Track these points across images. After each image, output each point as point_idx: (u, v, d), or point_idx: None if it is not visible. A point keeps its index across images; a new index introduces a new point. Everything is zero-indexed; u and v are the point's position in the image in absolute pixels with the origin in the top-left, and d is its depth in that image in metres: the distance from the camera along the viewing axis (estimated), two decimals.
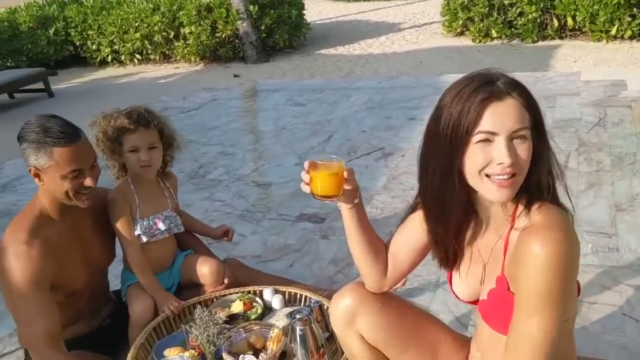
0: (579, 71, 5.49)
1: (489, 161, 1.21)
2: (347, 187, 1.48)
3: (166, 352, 1.91)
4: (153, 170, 2.14)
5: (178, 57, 10.78)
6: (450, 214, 1.34)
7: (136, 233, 2.13)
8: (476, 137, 1.21)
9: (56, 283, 1.90)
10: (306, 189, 1.48)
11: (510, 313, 1.26)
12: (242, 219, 3.24)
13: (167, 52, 10.92)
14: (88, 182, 1.85)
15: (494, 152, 1.20)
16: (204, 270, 2.22)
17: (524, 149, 1.20)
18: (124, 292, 2.22)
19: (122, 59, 11.10)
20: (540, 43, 7.37)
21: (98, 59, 11.17)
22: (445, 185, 1.29)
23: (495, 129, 1.20)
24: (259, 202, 3.46)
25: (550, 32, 7.34)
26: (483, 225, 1.39)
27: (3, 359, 2.32)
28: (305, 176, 1.46)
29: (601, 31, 6.76)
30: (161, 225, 2.17)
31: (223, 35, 10.18)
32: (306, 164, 1.46)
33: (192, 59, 10.63)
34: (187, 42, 10.42)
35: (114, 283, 2.29)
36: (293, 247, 2.88)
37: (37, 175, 1.85)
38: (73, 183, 1.83)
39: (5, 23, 11.08)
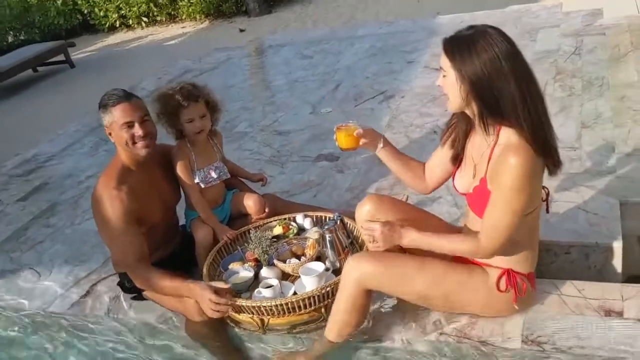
0: (561, 2, 5.90)
1: None
2: (363, 140, 2.15)
3: (230, 266, 2.54)
4: (205, 134, 2.70)
5: (183, 17, 11.17)
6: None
7: (196, 181, 2.72)
8: None
9: (140, 218, 2.48)
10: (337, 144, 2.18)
11: (486, 203, 1.89)
12: (270, 163, 3.81)
13: (172, 13, 11.30)
14: (138, 131, 2.39)
15: None
16: (250, 203, 2.82)
17: (445, 81, 1.86)
18: (188, 225, 2.82)
19: (130, 23, 11.50)
20: None
21: (107, 25, 11.57)
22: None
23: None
24: (282, 147, 4.01)
25: None
26: (477, 139, 1.99)
27: (100, 284, 2.97)
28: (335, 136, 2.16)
29: None
30: (213, 174, 2.76)
31: None
32: (335, 129, 2.18)
33: (197, 17, 11.02)
34: (191, 1, 10.79)
35: (181, 217, 2.87)
36: (315, 182, 3.45)
37: (109, 133, 2.44)
38: (129, 133, 2.39)
39: None
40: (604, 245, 2.42)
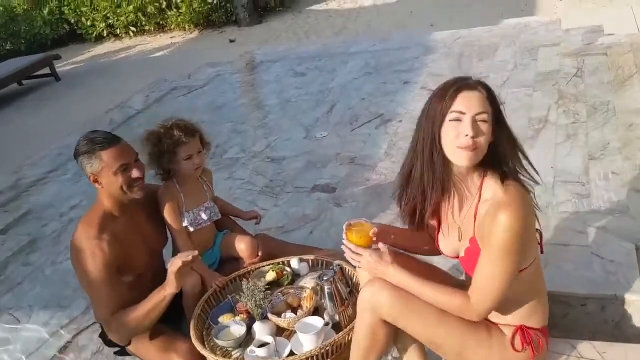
0: (559, 19, 5.77)
1: (458, 134, 1.67)
2: (376, 241, 1.97)
3: (220, 319, 2.36)
4: (201, 171, 2.55)
5: (172, 27, 10.98)
6: (434, 181, 1.79)
7: (184, 225, 2.55)
8: (450, 116, 1.68)
9: (125, 267, 2.32)
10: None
11: None
12: (263, 194, 3.64)
13: (161, 23, 11.11)
14: (135, 173, 2.26)
15: (461, 128, 1.67)
16: (242, 246, 2.64)
17: (484, 128, 1.68)
18: None
19: (118, 32, 11.31)
20: None
21: (94, 35, 11.38)
22: (431, 156, 1.75)
23: (464, 109, 1.67)
24: (276, 177, 3.84)
25: None
26: (458, 197, 1.84)
27: (82, 335, 2.78)
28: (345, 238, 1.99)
29: None
30: (204, 216, 2.59)
31: (215, 1, 10.34)
32: (345, 227, 2.01)
33: (187, 27, 10.84)
34: (180, 11, 10.61)
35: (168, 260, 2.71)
36: (311, 217, 3.29)
37: (96, 180, 2.27)
38: (124, 177, 2.24)
39: (1, 8, 11.21)
40: (623, 298, 2.26)
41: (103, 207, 2.34)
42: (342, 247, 1.99)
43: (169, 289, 2.20)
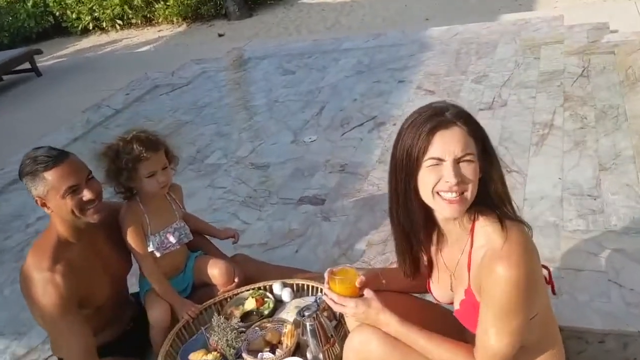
0: (562, 15, 5.49)
1: (438, 180, 1.39)
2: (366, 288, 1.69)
3: (191, 357, 2.08)
4: (167, 189, 2.26)
5: (160, 20, 10.67)
6: (415, 229, 1.53)
7: (150, 249, 2.26)
8: (427, 163, 1.39)
9: (83, 300, 2.05)
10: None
11: None
12: (246, 206, 3.36)
13: (148, 15, 10.79)
14: (87, 195, 1.96)
15: (443, 172, 1.38)
16: (215, 272, 2.36)
17: (469, 171, 1.39)
18: (142, 297, 2.37)
19: (104, 25, 10.98)
20: None
21: (79, 28, 11.05)
22: (407, 202, 1.47)
23: (443, 155, 1.37)
24: (260, 186, 3.55)
25: None
26: (446, 239, 1.58)
27: None
28: (325, 290, 1.72)
29: None
30: (172, 239, 2.30)
31: None
32: (326, 276, 1.72)
33: (175, 20, 10.51)
34: (168, 3, 10.30)
35: (133, 283, 2.41)
36: (297, 232, 3.01)
37: (43, 204, 1.98)
38: (74, 200, 1.95)
39: None
40: None
41: (56, 232, 2.05)
42: (324, 297, 1.73)
43: None
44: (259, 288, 2.35)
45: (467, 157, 1.38)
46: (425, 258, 1.68)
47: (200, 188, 3.63)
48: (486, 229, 1.44)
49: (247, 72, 5.93)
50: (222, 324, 2.03)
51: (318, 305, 2.05)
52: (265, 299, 2.31)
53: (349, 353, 1.67)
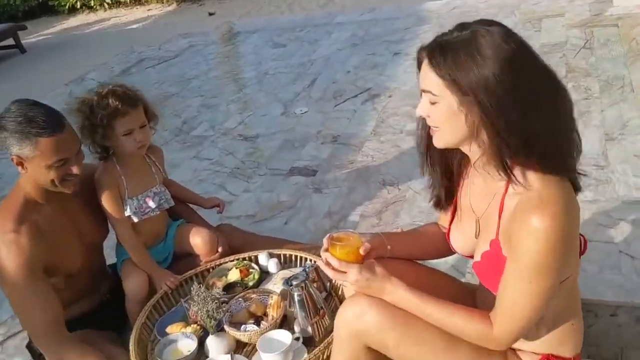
0: None
1: None
2: (370, 256, 1.51)
3: (169, 329, 1.91)
4: (145, 149, 2.09)
5: None
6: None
7: (127, 214, 2.09)
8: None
9: (52, 268, 1.88)
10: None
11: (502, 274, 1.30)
12: (233, 177, 3.19)
13: None
14: (75, 170, 1.81)
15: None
16: (197, 241, 2.19)
17: (434, 109, 1.27)
18: (119, 267, 2.20)
19: (92, 4, 10.72)
20: None
21: (67, 7, 10.78)
22: None
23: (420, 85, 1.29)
24: (248, 157, 3.39)
25: None
26: (478, 180, 1.39)
27: (9, 341, 2.33)
28: (324, 254, 1.49)
29: None
30: (152, 203, 2.13)
31: None
32: (325, 242, 1.50)
33: None
34: None
35: (109, 255, 2.27)
36: (287, 204, 2.85)
37: (20, 164, 1.80)
38: (59, 172, 1.79)
39: None
40: None
41: (23, 192, 1.88)
42: (322, 264, 1.50)
43: None
44: (244, 259, 2.19)
45: (428, 95, 1.26)
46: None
47: (185, 159, 3.45)
48: (526, 175, 1.25)
49: (236, 46, 5.73)
50: (202, 293, 1.85)
51: (307, 275, 1.88)
52: (250, 270, 2.14)
53: (341, 326, 1.49)
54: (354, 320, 1.44)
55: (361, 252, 1.48)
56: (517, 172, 1.26)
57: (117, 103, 1.95)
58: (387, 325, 1.41)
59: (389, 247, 1.58)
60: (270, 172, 3.17)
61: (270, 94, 4.27)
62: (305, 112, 3.85)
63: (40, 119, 1.74)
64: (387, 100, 3.73)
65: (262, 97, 4.24)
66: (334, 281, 1.98)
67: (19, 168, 1.82)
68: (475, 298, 1.60)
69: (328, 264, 1.48)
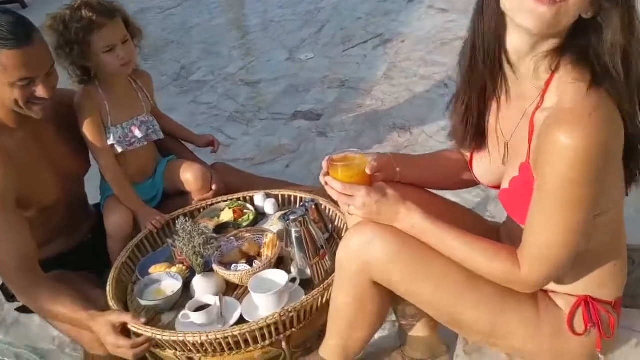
0: None
1: None
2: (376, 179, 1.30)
3: (152, 270, 1.73)
4: (131, 68, 1.90)
5: None
6: (481, 72, 1.15)
7: (110, 143, 1.90)
8: None
9: (24, 198, 1.69)
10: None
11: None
12: (232, 121, 3.02)
13: None
14: (40, 92, 1.60)
15: None
16: (188, 176, 2.00)
17: None
18: (102, 204, 2.02)
19: None
20: None
21: None
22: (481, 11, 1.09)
23: None
24: (249, 101, 3.22)
25: None
26: (509, 98, 1.18)
27: None
28: (324, 179, 1.28)
29: None
30: (138, 133, 1.93)
31: None
32: (324, 164, 1.29)
33: None
34: None
35: (94, 195, 2.08)
36: (288, 147, 2.69)
37: None
38: (23, 92, 1.58)
39: None
40: None
41: None
42: (325, 186, 1.28)
43: (87, 328, 1.58)
44: (238, 199, 1.99)
45: None
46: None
47: (182, 104, 3.27)
48: (566, 86, 1.04)
49: None
50: (188, 227, 1.65)
51: (307, 210, 1.68)
52: (245, 211, 1.94)
53: (345, 258, 1.29)
54: (360, 250, 1.23)
55: (367, 171, 1.26)
56: (557, 80, 1.05)
57: (90, 14, 1.76)
58: (397, 256, 1.21)
59: (398, 169, 1.36)
60: (272, 116, 3.00)
61: (275, 41, 4.10)
62: (311, 57, 3.69)
63: (5, 29, 1.52)
64: (399, 46, 3.55)
65: (267, 44, 4.08)
66: (336, 222, 1.80)
67: None
68: (500, 237, 1.40)
69: (330, 189, 1.26)
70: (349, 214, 1.28)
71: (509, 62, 1.11)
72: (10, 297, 1.89)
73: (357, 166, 1.28)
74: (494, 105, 1.24)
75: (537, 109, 1.09)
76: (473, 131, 1.27)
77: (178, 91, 3.45)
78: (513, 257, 1.13)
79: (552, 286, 1.24)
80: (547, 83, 1.07)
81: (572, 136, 0.96)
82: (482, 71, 1.15)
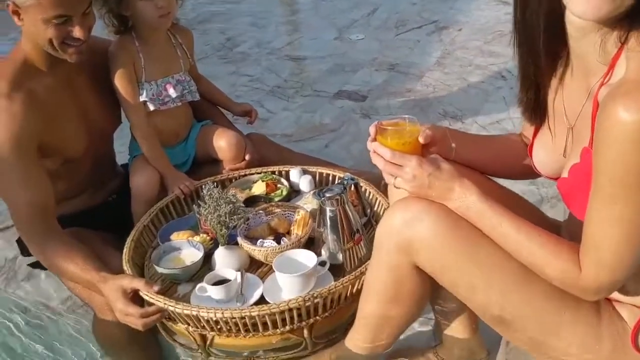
0: None
1: None
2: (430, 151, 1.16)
3: (173, 236, 1.61)
4: (172, 18, 1.79)
5: None
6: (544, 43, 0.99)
7: (142, 99, 1.80)
8: None
9: (47, 146, 1.61)
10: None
11: None
12: (272, 95, 2.91)
13: None
14: (77, 32, 1.51)
15: None
16: (222, 143, 1.89)
17: None
18: (130, 164, 1.92)
19: None
20: None
21: None
22: None
23: None
24: (292, 77, 3.11)
25: None
26: (573, 77, 1.03)
27: None
28: (372, 144, 1.13)
29: None
30: (172, 92, 1.82)
31: None
32: (372, 129, 1.15)
33: None
34: None
35: (124, 156, 1.99)
36: (329, 127, 2.56)
37: (15, 12, 1.51)
38: (58, 31, 1.49)
39: None
40: None
41: (23, 54, 1.59)
42: (371, 153, 1.13)
43: (99, 291, 1.49)
44: (273, 172, 1.86)
45: None
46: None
47: (224, 74, 3.17)
48: (634, 55, 0.88)
49: None
50: (215, 194, 1.53)
51: (344, 188, 1.54)
52: (279, 185, 1.82)
53: (385, 236, 1.14)
54: (403, 227, 1.09)
55: (420, 140, 1.11)
56: (627, 53, 0.89)
57: None
58: (446, 238, 1.06)
59: (453, 145, 1.20)
60: (315, 93, 2.89)
61: (325, 19, 3.98)
62: (361, 38, 3.55)
63: None
64: (455, 34, 3.40)
65: (316, 22, 3.97)
66: (376, 207, 1.65)
67: (15, 18, 1.53)
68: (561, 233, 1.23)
69: (378, 155, 1.11)
70: (395, 186, 1.12)
71: (571, 36, 0.95)
72: (26, 251, 1.81)
73: (409, 133, 1.12)
74: (558, 84, 1.08)
75: (602, 85, 0.93)
76: (533, 104, 1.12)
77: (221, 61, 3.36)
78: (575, 257, 0.97)
79: (616, 295, 1.07)
80: (615, 57, 0.91)
81: (635, 109, 0.80)
82: (541, 45, 1.00)
